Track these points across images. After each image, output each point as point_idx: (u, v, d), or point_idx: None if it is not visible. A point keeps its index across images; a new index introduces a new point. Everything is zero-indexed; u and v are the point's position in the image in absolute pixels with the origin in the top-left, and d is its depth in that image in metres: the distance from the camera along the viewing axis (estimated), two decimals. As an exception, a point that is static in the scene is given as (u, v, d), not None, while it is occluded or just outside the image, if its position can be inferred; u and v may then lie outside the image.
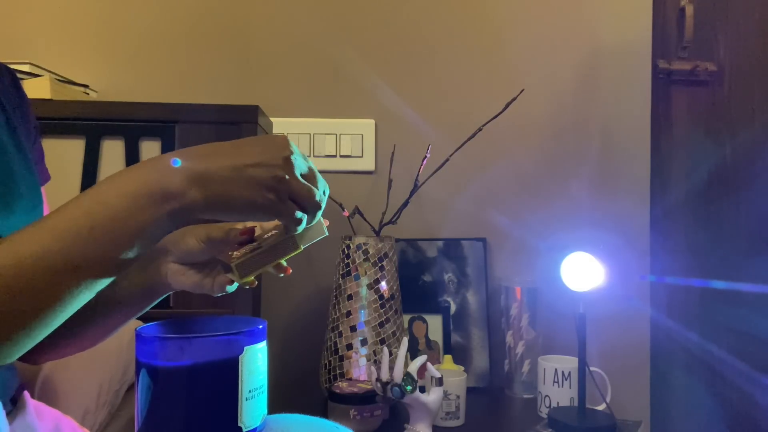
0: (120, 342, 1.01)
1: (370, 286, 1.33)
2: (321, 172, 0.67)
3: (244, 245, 0.70)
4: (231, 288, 0.74)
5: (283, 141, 0.62)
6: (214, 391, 0.61)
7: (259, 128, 1.27)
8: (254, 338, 0.64)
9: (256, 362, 0.63)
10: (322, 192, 0.65)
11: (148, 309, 0.78)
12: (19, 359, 0.78)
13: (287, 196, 0.61)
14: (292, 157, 0.61)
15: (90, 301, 0.72)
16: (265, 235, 0.70)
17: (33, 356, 0.78)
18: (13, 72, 0.80)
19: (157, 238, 0.59)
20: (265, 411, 0.67)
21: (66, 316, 0.56)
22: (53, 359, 0.81)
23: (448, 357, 1.42)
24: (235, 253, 0.69)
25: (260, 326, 0.66)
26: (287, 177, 0.60)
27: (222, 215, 0.61)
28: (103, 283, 0.58)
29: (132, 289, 0.76)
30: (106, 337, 0.79)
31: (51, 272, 0.53)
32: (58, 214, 0.55)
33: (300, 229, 0.65)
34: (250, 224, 0.72)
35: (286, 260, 0.70)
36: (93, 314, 0.76)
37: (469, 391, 1.30)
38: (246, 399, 0.62)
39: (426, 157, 1.43)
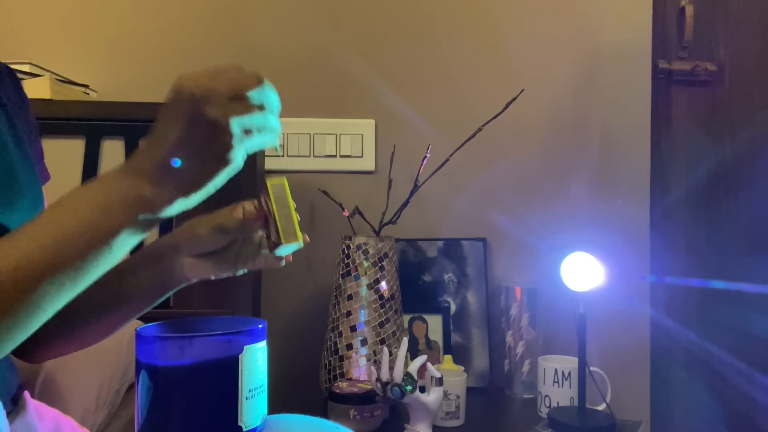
0: (120, 342, 1.01)
1: (370, 286, 1.33)
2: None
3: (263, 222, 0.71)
4: (281, 251, 0.74)
5: (187, 88, 0.58)
6: (214, 391, 0.61)
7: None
8: (254, 338, 0.64)
9: (255, 362, 0.63)
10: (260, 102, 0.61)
11: (161, 301, 0.78)
12: (25, 358, 0.78)
13: (239, 133, 0.59)
14: (205, 98, 0.58)
15: (96, 297, 0.73)
16: (262, 200, 0.71)
17: (37, 353, 0.78)
18: (13, 72, 0.80)
19: (134, 241, 0.60)
20: (265, 411, 0.67)
21: (47, 316, 0.57)
22: (57, 355, 0.81)
23: (448, 357, 1.42)
24: (270, 235, 0.71)
25: (260, 326, 0.66)
26: (222, 123, 0.58)
27: (199, 196, 0.61)
28: (84, 285, 0.58)
29: (143, 286, 0.76)
30: (113, 331, 0.79)
31: (26, 280, 0.53)
32: (32, 225, 0.56)
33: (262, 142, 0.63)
34: (247, 206, 0.73)
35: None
36: (100, 310, 0.76)
37: (469, 391, 1.30)
38: (246, 398, 0.62)
39: (426, 157, 1.44)
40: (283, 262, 0.75)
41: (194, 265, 0.75)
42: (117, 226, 0.57)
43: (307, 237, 0.73)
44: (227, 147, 0.58)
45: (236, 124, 0.58)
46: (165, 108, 0.59)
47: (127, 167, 0.59)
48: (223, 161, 0.59)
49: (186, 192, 0.59)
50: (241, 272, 0.77)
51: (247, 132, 0.60)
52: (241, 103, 0.59)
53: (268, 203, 0.71)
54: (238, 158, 0.60)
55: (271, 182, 0.72)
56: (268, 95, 0.61)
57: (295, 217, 0.72)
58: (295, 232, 0.71)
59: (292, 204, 0.72)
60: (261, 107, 0.60)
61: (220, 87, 0.58)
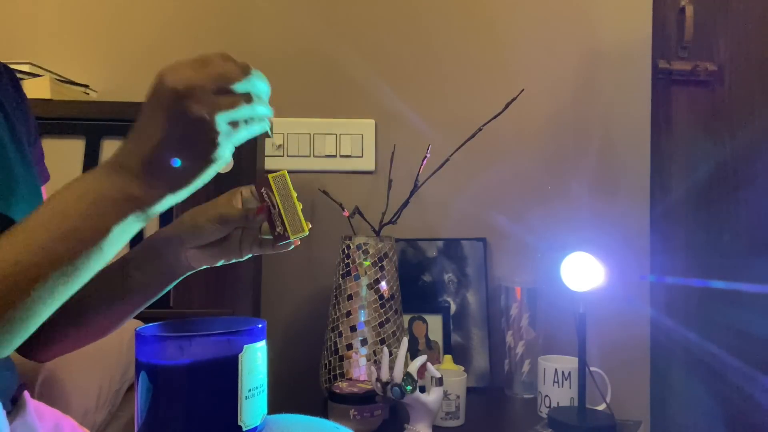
0: (120, 342, 1.01)
1: (370, 286, 1.33)
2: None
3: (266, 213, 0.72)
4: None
5: (171, 85, 0.56)
6: (213, 391, 0.61)
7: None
8: (254, 337, 0.64)
9: (255, 361, 0.63)
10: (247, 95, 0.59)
11: (169, 288, 0.78)
12: (31, 356, 0.78)
13: (225, 131, 0.58)
14: (189, 95, 0.56)
15: (102, 291, 0.73)
16: (264, 193, 0.72)
17: (44, 351, 0.78)
18: (12, 72, 0.80)
19: (125, 239, 0.60)
20: (265, 410, 0.67)
21: (43, 318, 0.57)
22: (66, 352, 0.81)
23: (448, 357, 1.42)
24: (276, 227, 0.71)
25: (259, 325, 0.66)
26: (207, 119, 0.56)
27: (188, 191, 0.60)
28: (78, 285, 0.58)
29: (147, 279, 0.76)
30: (122, 323, 0.79)
31: (19, 284, 0.53)
32: (22, 228, 0.56)
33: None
34: (245, 192, 0.73)
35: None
36: (107, 304, 0.76)
37: (469, 391, 1.30)
38: (246, 398, 0.62)
39: (426, 157, 1.43)
40: (292, 246, 0.75)
41: (199, 255, 0.75)
42: (107, 225, 0.57)
43: (310, 224, 0.73)
44: (213, 145, 0.57)
45: (222, 120, 0.57)
46: (148, 102, 0.58)
47: (114, 164, 0.58)
48: (210, 159, 0.58)
49: (174, 189, 0.59)
50: (246, 257, 0.77)
51: (234, 125, 0.58)
52: (226, 97, 0.57)
53: (271, 197, 0.71)
54: (225, 154, 0.59)
55: (272, 176, 0.72)
56: (255, 84, 0.59)
57: (299, 207, 0.72)
58: (301, 224, 0.72)
59: (294, 194, 0.73)
60: (248, 98, 0.59)
61: (204, 81, 0.56)
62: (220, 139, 0.57)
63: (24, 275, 0.54)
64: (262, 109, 0.61)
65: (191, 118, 0.56)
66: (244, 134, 0.60)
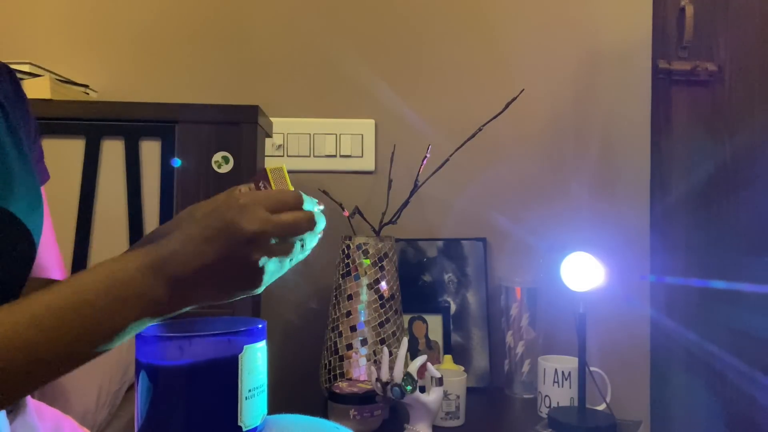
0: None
1: (370, 286, 1.33)
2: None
3: None
4: None
5: (244, 229, 0.56)
6: (213, 391, 0.61)
7: (259, 128, 1.27)
8: (254, 337, 0.64)
9: (255, 361, 0.63)
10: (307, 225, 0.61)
11: None
12: None
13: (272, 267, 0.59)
14: (256, 242, 0.57)
15: None
16: (261, 185, 0.72)
17: None
18: (12, 71, 0.79)
19: (136, 332, 0.60)
20: (265, 410, 0.67)
21: (36, 388, 0.57)
22: None
23: (448, 357, 1.42)
24: None
25: (259, 325, 0.66)
26: (260, 265, 0.57)
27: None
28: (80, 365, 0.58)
29: None
30: None
31: (24, 361, 0.53)
32: (38, 304, 0.54)
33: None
34: (243, 189, 0.73)
35: None
36: None
37: (469, 391, 1.30)
38: (246, 398, 0.62)
39: (426, 157, 1.43)
40: None
41: None
42: (125, 324, 0.56)
43: None
44: (256, 284, 0.59)
45: (273, 263, 0.59)
46: (212, 218, 0.57)
47: (153, 265, 0.57)
48: (248, 293, 0.60)
49: (202, 305, 0.60)
50: None
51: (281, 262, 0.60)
52: (285, 244, 0.59)
53: (267, 188, 0.71)
54: (262, 288, 0.60)
55: (270, 167, 0.72)
56: (316, 235, 0.63)
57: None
58: None
59: (291, 188, 0.72)
60: (302, 244, 0.61)
61: (275, 231, 0.58)
62: (265, 278, 0.59)
63: (25, 355, 0.52)
64: (311, 244, 0.63)
65: (249, 262, 0.57)
66: (286, 268, 0.62)
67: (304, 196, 0.61)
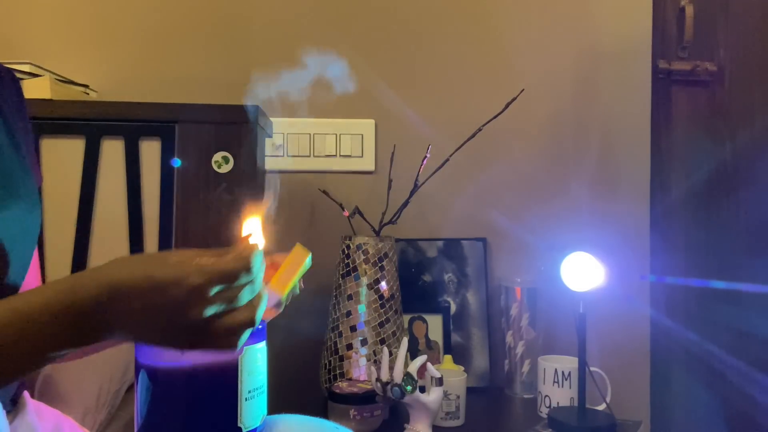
0: (120, 342, 1.01)
1: (370, 286, 1.33)
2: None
3: None
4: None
5: (188, 292, 0.53)
6: (213, 392, 0.61)
7: (259, 128, 1.27)
8: (254, 338, 0.64)
9: (255, 362, 0.63)
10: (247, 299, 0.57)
11: None
12: None
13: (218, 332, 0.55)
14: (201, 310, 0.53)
15: None
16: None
17: None
18: (11, 72, 0.79)
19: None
20: (265, 411, 0.67)
21: None
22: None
23: (448, 357, 1.42)
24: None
25: (260, 326, 0.65)
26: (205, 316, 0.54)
27: None
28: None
29: None
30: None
31: None
32: None
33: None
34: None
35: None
36: None
37: (469, 391, 1.30)
38: (246, 399, 0.62)
39: (426, 157, 1.43)
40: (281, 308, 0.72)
41: None
42: (44, 354, 0.55)
43: (288, 299, 0.72)
44: (216, 341, 0.56)
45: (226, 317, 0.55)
46: (155, 300, 0.53)
47: (103, 308, 0.54)
48: (208, 348, 0.57)
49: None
50: None
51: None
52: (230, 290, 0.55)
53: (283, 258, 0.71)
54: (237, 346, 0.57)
55: (299, 246, 0.71)
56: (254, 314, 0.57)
57: (293, 283, 0.71)
58: (284, 287, 0.71)
59: (301, 272, 0.72)
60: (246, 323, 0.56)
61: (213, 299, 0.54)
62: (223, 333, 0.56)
63: None
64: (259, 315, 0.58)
65: (190, 319, 0.54)
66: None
67: (255, 260, 0.57)
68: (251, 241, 0.60)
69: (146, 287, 0.53)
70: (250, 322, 0.56)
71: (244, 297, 0.56)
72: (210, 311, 0.54)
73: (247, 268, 0.55)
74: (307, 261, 0.72)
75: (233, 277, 0.55)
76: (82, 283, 0.54)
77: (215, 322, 0.54)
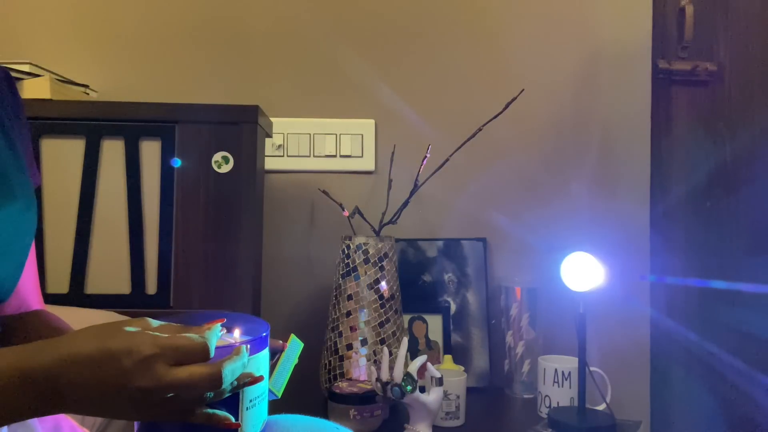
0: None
1: (370, 286, 1.33)
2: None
3: None
4: None
5: (136, 385, 0.53)
6: (215, 402, 0.59)
7: (259, 128, 1.27)
8: (257, 347, 0.62)
9: (258, 371, 0.61)
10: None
11: None
12: None
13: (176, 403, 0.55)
14: (143, 398, 0.53)
15: None
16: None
17: None
18: (10, 75, 0.79)
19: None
20: (266, 416, 0.66)
21: None
22: None
23: (448, 357, 1.42)
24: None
25: (263, 334, 0.64)
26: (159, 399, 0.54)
27: None
28: None
29: None
30: None
31: None
32: None
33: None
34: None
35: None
36: None
37: (469, 391, 1.30)
38: (247, 408, 0.61)
39: (426, 157, 1.43)
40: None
41: None
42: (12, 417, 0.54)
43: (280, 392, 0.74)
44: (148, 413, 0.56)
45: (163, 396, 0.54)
46: (106, 365, 0.53)
47: (54, 379, 0.53)
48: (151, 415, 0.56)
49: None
50: None
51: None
52: (180, 399, 0.55)
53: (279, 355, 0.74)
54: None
55: (293, 337, 0.75)
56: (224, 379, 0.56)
57: (289, 375, 0.75)
58: (281, 386, 0.74)
59: (295, 362, 0.75)
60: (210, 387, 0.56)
61: (166, 391, 0.54)
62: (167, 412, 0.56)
63: None
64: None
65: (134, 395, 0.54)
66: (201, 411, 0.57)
67: (211, 339, 0.57)
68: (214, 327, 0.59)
69: (98, 357, 0.53)
70: (201, 402, 0.56)
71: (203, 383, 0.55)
72: (162, 385, 0.53)
73: (203, 348, 0.55)
74: (299, 351, 0.76)
75: (187, 352, 0.55)
76: (39, 353, 0.54)
77: (168, 394, 0.54)
